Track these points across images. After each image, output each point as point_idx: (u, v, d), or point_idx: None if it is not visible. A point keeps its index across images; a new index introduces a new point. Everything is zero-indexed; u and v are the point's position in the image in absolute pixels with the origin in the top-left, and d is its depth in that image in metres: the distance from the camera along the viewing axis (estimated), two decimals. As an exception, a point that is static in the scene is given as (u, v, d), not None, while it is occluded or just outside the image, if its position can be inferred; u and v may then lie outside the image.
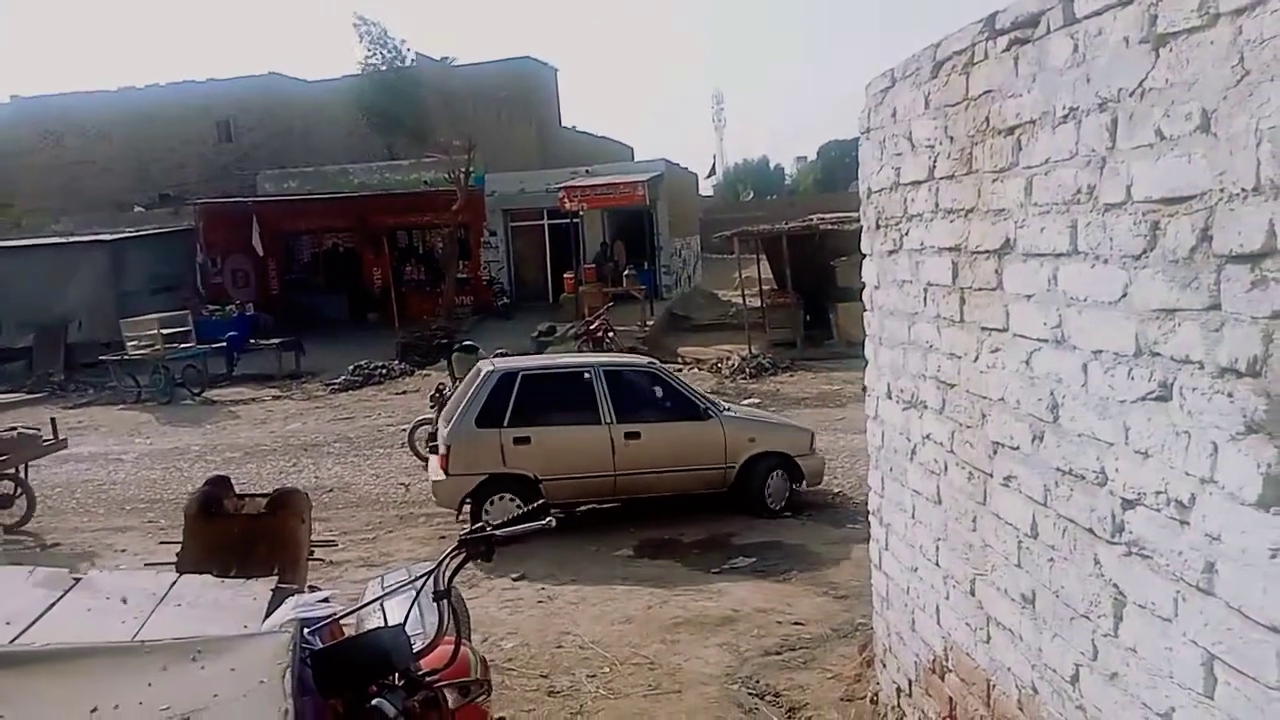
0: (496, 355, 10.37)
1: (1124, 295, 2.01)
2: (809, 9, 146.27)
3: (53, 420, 10.37)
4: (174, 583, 2.51)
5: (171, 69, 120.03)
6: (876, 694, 4.25)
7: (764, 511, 8.39)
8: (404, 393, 17.09)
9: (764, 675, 5.13)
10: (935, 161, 2.97)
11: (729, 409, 8.92)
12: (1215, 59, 1.68)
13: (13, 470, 9.35)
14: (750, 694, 4.95)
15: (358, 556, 8.15)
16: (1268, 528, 1.62)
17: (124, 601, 2.27)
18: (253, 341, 20.26)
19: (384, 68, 29.88)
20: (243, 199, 25.66)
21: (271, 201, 25.47)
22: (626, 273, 22.38)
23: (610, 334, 17.75)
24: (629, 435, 8.18)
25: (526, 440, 8.00)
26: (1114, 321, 2.05)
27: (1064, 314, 2.26)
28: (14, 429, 9.71)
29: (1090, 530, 2.22)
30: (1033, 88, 2.33)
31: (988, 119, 2.58)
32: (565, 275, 23.38)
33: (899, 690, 3.79)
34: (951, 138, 2.83)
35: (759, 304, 20.26)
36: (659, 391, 8.52)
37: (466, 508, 8.10)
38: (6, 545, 9.14)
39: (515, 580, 7.14)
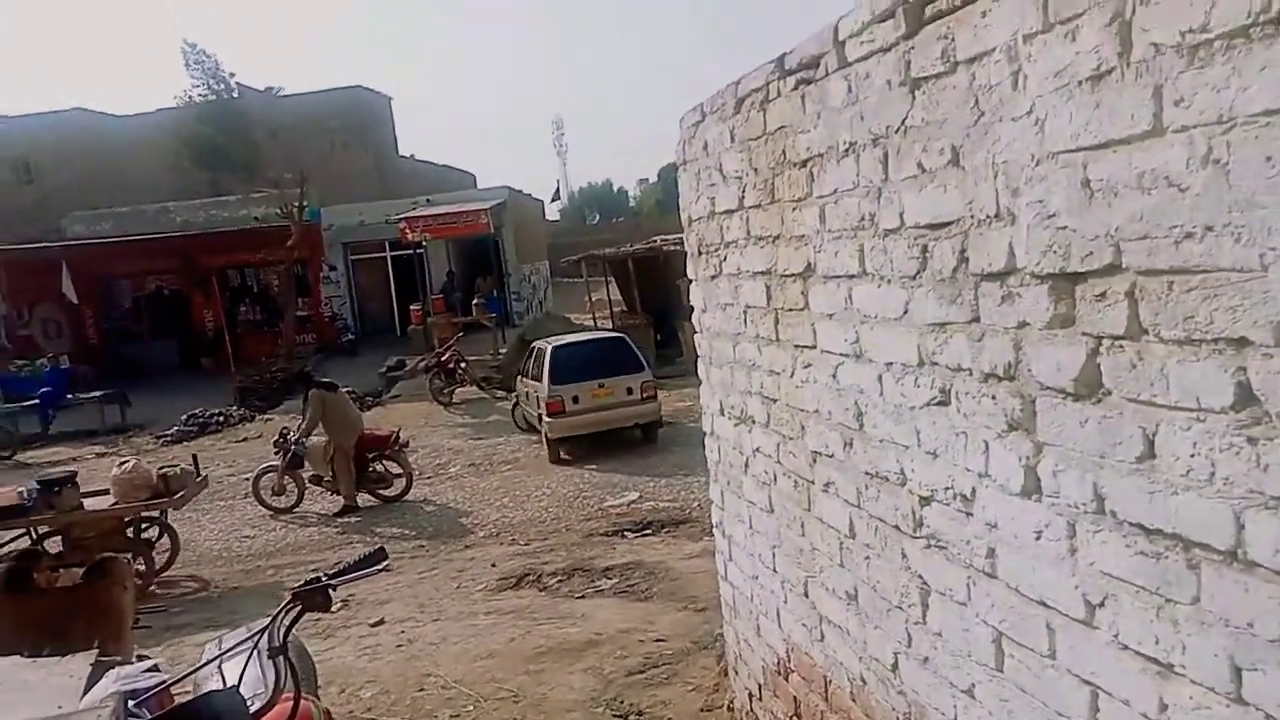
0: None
1: (906, 312, 2.21)
2: (641, 34, 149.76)
3: (194, 456, 9.67)
4: (-23, 670, 2.33)
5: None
6: (732, 701, 4.40)
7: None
8: (244, 440, 16.27)
9: (628, 695, 5.21)
10: (744, 192, 3.15)
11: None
12: (957, 101, 1.89)
13: (158, 513, 8.61)
14: (615, 715, 5.01)
15: (201, 619, 7.71)
16: (1030, 513, 1.83)
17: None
18: (71, 396, 18.79)
19: (211, 98, 28.53)
20: (48, 244, 23.77)
21: (83, 245, 23.72)
22: (475, 301, 22.16)
23: (462, 364, 17.52)
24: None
25: None
26: (899, 335, 2.25)
27: (860, 330, 2.46)
28: (176, 466, 8.85)
29: (897, 527, 2.41)
30: (818, 124, 2.53)
31: (784, 152, 2.78)
32: (412, 307, 22.92)
33: (751, 696, 3.95)
34: (756, 169, 3.02)
35: (610, 326, 20.49)
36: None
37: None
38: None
39: (374, 626, 6.94)
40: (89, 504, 8.42)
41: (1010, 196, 1.76)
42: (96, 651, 2.49)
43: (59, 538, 8.42)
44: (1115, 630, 1.63)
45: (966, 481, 2.06)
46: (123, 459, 9.25)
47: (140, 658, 2.94)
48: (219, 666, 2.73)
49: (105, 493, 8.54)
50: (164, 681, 2.31)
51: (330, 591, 2.39)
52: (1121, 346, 1.52)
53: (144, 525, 8.84)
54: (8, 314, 23.04)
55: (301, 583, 2.44)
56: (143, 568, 8.62)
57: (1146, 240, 1.44)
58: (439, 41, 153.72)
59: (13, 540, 8.31)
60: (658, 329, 19.64)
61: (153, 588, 8.54)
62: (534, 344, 14.17)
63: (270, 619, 2.41)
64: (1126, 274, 1.49)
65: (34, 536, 8.36)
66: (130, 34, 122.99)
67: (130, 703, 2.03)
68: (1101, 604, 1.66)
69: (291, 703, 2.31)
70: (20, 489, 8.41)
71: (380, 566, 2.51)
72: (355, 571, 2.45)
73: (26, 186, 29.39)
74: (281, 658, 2.31)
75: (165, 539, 8.97)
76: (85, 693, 2.12)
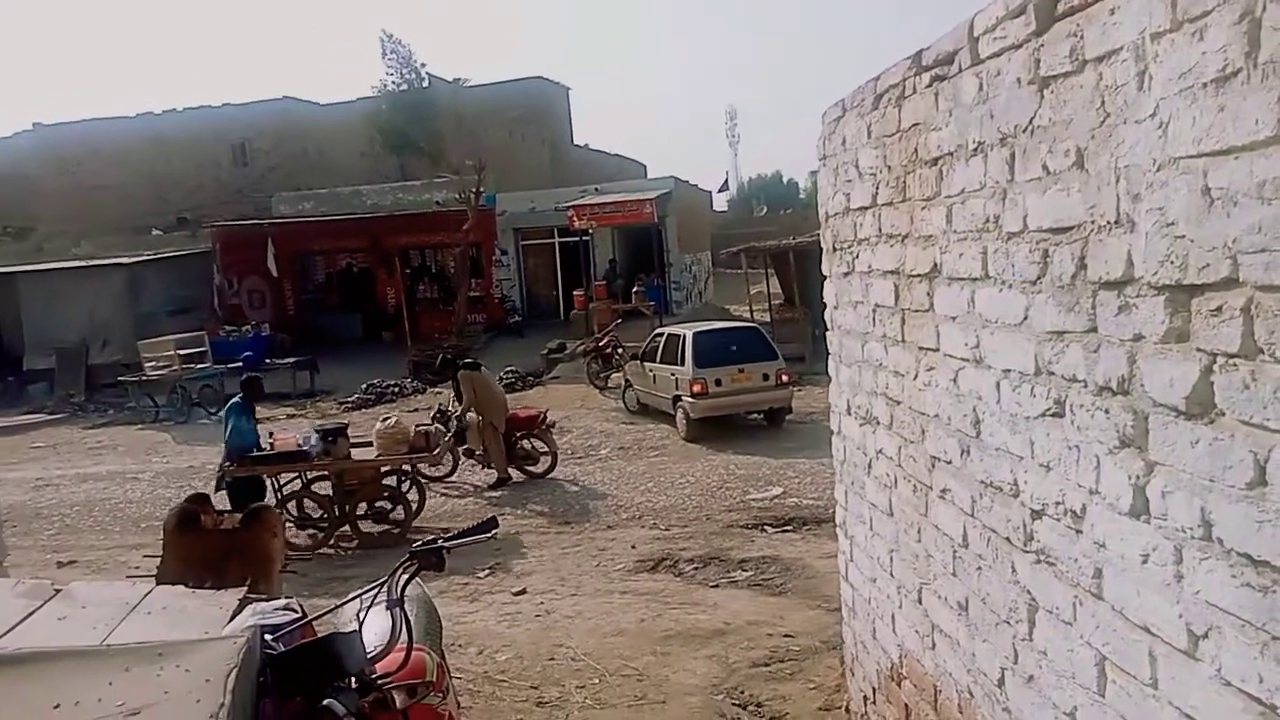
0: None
1: (1025, 318, 2.14)
2: (823, 25, 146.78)
3: (444, 414, 10.98)
4: (148, 593, 2.68)
5: (188, 94, 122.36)
6: (849, 703, 4.35)
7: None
8: (415, 410, 17.26)
9: (749, 686, 5.23)
10: (878, 189, 3.11)
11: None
12: (1084, 102, 1.81)
13: (410, 467, 9.51)
14: (733, 704, 5.05)
15: (366, 572, 8.29)
16: (1138, 535, 1.74)
17: (98, 610, 2.44)
18: (268, 361, 20.54)
19: (402, 88, 30.29)
20: (258, 221, 26.07)
21: (286, 223, 25.85)
22: (635, 289, 22.54)
23: (619, 350, 17.89)
24: None
25: None
26: (1018, 342, 2.18)
27: (980, 335, 2.39)
28: (431, 425, 9.96)
29: (1008, 539, 2.33)
30: (950, 122, 2.47)
31: (916, 150, 2.72)
32: (575, 293, 23.58)
33: (866, 699, 3.89)
34: (889, 166, 2.97)
35: (769, 319, 20.33)
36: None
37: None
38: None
39: (516, 595, 7.28)
40: (355, 454, 9.19)
41: (1131, 202, 1.68)
42: (246, 589, 2.80)
43: (326, 481, 9.24)
44: (1218, 664, 1.53)
45: (1077, 498, 1.98)
46: (385, 415, 9.96)
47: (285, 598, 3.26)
48: (357, 613, 2.97)
49: (368, 444, 9.30)
50: (298, 619, 2.57)
51: (444, 553, 2.57)
52: (1235, 365, 1.43)
53: (402, 477, 9.51)
54: (220, 284, 25.39)
55: (419, 543, 2.63)
56: (400, 516, 9.33)
57: (1265, 254, 1.35)
58: (621, 30, 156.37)
59: (288, 483, 9.22)
60: (816, 323, 19.31)
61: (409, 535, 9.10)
62: (663, 330, 14.64)
63: (389, 574, 2.62)
64: (1243, 288, 1.40)
65: (305, 480, 9.25)
66: (335, 28, 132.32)
67: (269, 636, 2.27)
68: (1205, 635, 1.56)
69: (404, 652, 2.51)
70: (298, 437, 9.42)
71: (489, 534, 2.67)
72: (467, 537, 2.62)
73: (242, 168, 32.24)
74: (398, 609, 2.51)
75: (413, 491, 9.60)
76: (229, 623, 2.39)
